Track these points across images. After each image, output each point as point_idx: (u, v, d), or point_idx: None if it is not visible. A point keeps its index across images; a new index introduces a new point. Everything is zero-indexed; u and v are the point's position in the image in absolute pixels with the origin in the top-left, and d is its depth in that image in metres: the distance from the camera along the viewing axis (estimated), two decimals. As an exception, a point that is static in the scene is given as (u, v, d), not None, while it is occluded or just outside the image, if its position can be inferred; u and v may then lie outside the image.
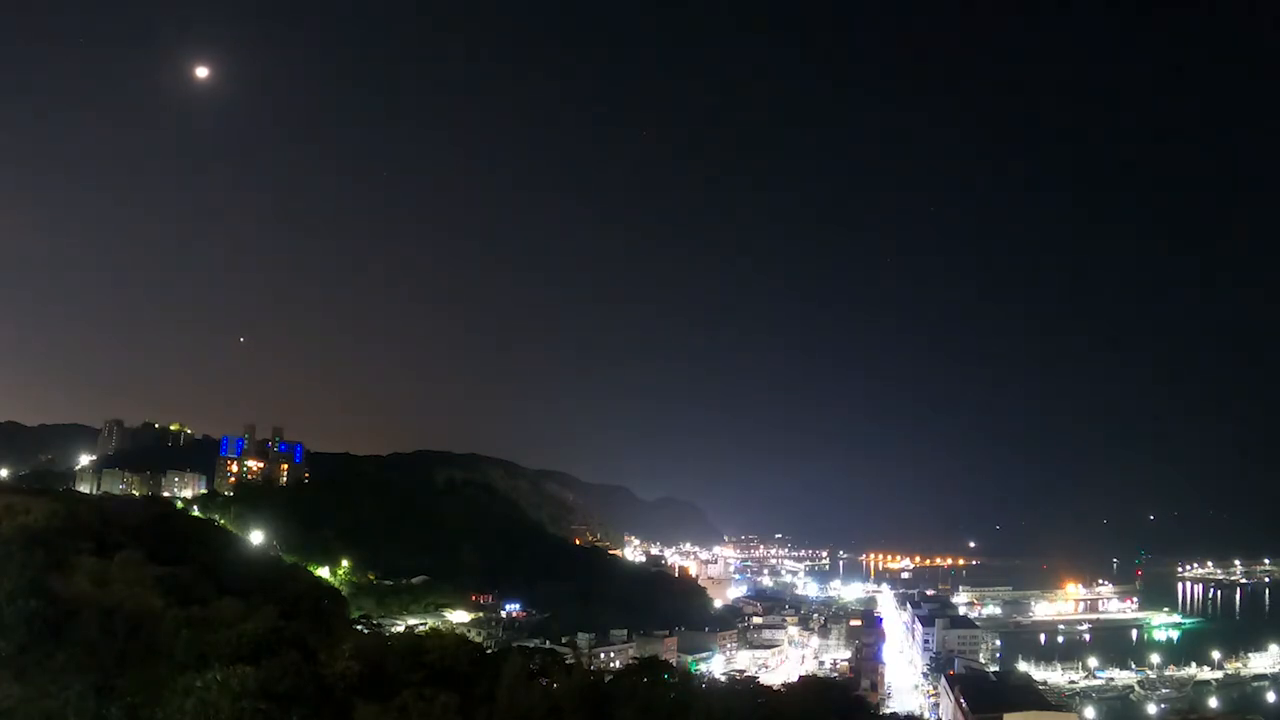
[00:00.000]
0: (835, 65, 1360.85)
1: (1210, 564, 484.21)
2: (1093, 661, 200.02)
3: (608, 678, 71.61)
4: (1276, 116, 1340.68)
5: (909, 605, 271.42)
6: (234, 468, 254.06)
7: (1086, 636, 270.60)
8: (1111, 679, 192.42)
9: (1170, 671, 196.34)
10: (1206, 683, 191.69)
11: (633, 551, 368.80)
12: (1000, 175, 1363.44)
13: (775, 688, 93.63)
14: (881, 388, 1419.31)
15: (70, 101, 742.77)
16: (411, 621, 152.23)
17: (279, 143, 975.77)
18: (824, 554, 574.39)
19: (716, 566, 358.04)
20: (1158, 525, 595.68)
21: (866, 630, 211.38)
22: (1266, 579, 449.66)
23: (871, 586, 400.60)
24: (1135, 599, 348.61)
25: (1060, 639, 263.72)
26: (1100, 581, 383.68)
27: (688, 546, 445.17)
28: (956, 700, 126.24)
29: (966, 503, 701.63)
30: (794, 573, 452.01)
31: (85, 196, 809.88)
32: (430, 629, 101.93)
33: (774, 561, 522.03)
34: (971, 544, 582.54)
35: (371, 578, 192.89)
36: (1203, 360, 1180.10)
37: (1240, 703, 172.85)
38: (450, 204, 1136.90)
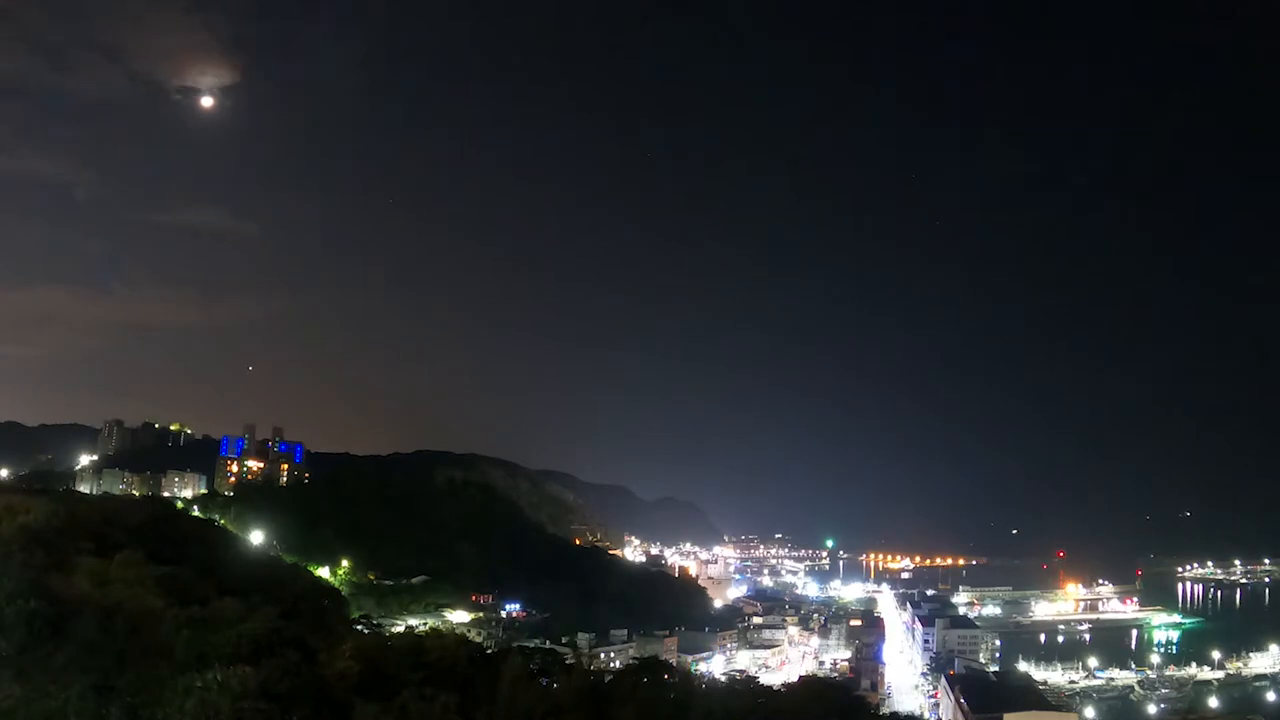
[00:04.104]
0: (834, 64, 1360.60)
1: (1210, 564, 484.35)
2: (1093, 661, 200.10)
3: (608, 678, 71.70)
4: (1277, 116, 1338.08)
5: (909, 605, 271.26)
6: (234, 468, 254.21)
7: (1086, 636, 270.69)
8: (1111, 679, 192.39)
9: (1170, 671, 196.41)
10: (1207, 683, 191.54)
11: (633, 551, 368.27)
12: (1003, 174, 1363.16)
13: (775, 688, 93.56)
14: (882, 388, 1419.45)
15: (69, 101, 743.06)
16: (411, 621, 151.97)
17: (278, 141, 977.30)
18: (824, 554, 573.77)
19: (716, 566, 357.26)
20: (1155, 524, 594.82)
21: (866, 630, 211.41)
22: (1266, 579, 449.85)
23: (871, 586, 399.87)
24: (1135, 599, 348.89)
25: (1060, 639, 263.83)
26: (1100, 581, 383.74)
27: (688, 546, 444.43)
28: (956, 700, 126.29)
29: (966, 503, 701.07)
30: (794, 573, 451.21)
31: (85, 196, 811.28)
32: (430, 629, 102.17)
33: (774, 561, 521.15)
34: (974, 545, 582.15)
35: (371, 578, 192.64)
36: (1203, 361, 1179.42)
37: (1240, 703, 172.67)
38: (450, 203, 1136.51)
